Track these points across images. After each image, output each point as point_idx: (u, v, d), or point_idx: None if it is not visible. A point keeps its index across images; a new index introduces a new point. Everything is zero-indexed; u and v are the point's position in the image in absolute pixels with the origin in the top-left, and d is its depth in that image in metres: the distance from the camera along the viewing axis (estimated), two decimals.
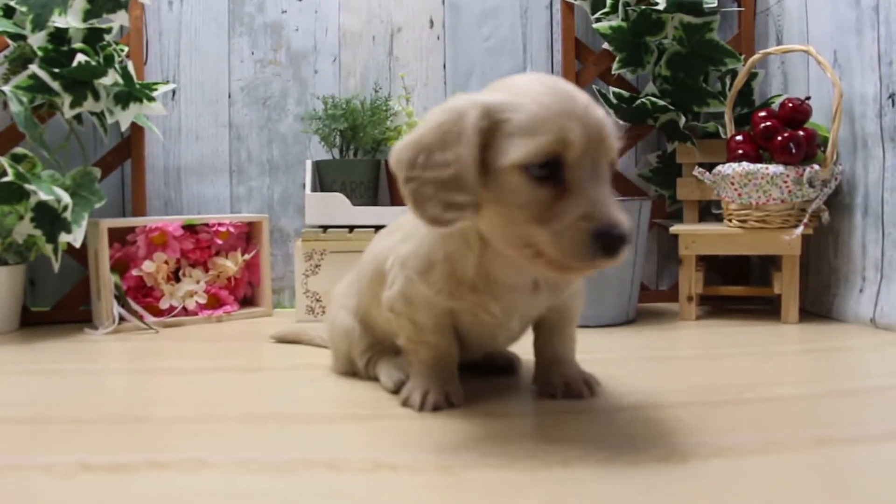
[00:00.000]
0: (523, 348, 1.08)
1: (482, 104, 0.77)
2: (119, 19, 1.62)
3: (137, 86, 1.64)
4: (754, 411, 0.92)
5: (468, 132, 0.76)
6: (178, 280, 1.73)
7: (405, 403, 0.95)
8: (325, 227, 1.70)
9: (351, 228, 1.70)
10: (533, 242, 0.76)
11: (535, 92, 0.77)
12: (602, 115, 0.78)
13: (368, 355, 1.09)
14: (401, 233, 0.96)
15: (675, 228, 1.65)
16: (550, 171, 0.75)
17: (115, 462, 0.77)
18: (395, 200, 1.77)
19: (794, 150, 1.52)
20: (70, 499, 0.68)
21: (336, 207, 1.70)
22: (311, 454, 0.79)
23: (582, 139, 0.75)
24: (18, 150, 1.53)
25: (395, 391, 1.00)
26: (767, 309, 1.73)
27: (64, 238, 1.50)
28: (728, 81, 1.77)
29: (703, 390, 1.02)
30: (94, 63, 1.53)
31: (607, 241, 0.73)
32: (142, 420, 0.94)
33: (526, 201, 0.76)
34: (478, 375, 1.13)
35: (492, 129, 0.77)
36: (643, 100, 1.76)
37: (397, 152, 0.81)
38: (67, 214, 1.49)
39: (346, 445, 0.83)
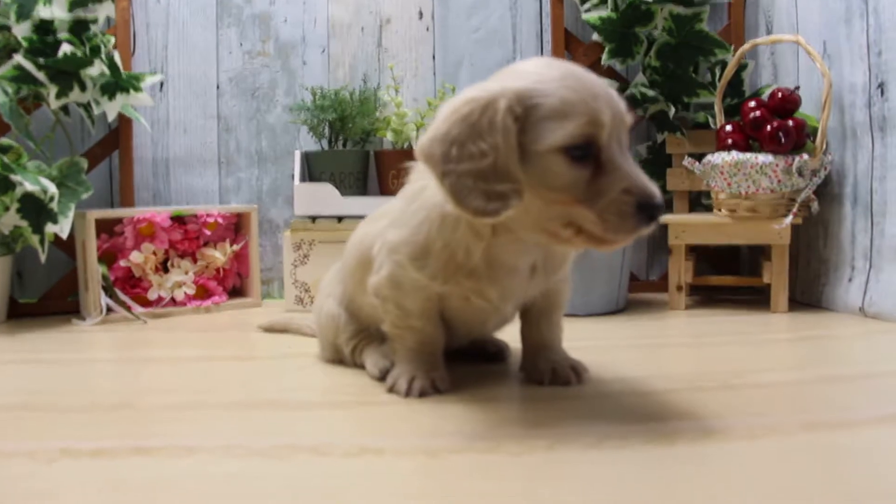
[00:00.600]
0: (513, 336, 1.08)
1: (513, 91, 0.79)
2: (105, 10, 1.61)
3: (124, 76, 1.63)
4: (743, 397, 0.92)
5: (503, 120, 0.77)
6: (166, 271, 1.72)
7: (391, 390, 0.95)
8: (314, 218, 1.70)
9: (340, 219, 1.69)
10: (574, 221, 0.79)
11: (558, 77, 0.80)
12: (617, 95, 0.82)
13: (354, 342, 1.08)
14: (387, 219, 0.96)
15: (665, 218, 1.65)
16: (585, 152, 0.78)
17: (99, 448, 0.76)
18: (384, 190, 1.77)
19: (783, 140, 1.52)
20: (52, 484, 0.67)
21: (325, 198, 1.69)
22: (297, 440, 0.78)
23: (610, 119, 0.79)
24: (4, 140, 1.52)
25: (381, 378, 1.00)
26: (757, 298, 1.73)
27: (51, 229, 1.49)
28: (718, 72, 1.77)
29: (691, 377, 1.02)
30: (79, 53, 1.52)
31: (650, 212, 0.77)
32: (127, 407, 0.93)
33: (566, 182, 0.78)
34: (467, 362, 1.13)
35: (524, 115, 0.78)
36: (633, 90, 1.76)
37: (427, 149, 0.80)
38: (54, 205, 1.48)
39: (332, 431, 0.82)
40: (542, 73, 0.80)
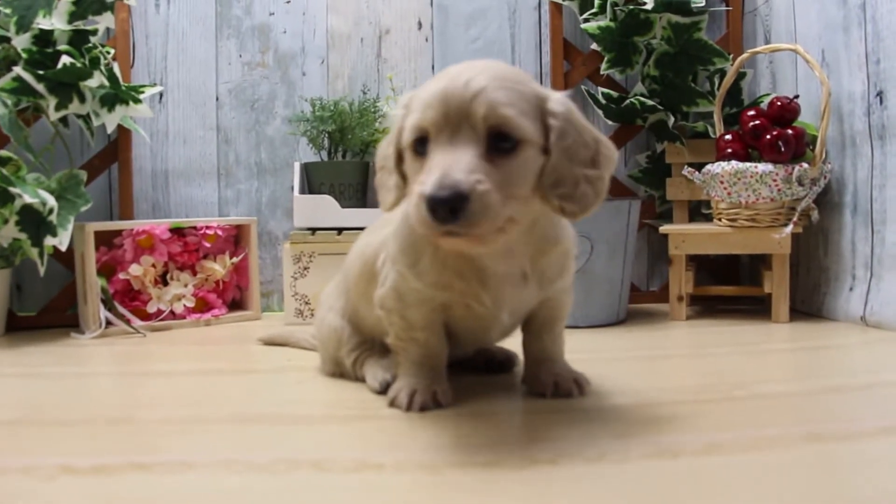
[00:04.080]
0: (516, 348, 1.08)
1: (406, 95, 0.87)
2: (105, 21, 1.61)
3: (124, 88, 1.63)
4: (745, 408, 0.92)
5: (395, 121, 0.87)
6: (165, 284, 1.71)
7: (392, 404, 0.94)
8: (313, 230, 1.70)
9: (339, 230, 1.69)
10: None
11: (436, 78, 0.82)
12: (479, 86, 0.77)
13: (356, 354, 1.08)
14: (389, 228, 0.96)
15: (665, 228, 1.65)
16: (423, 147, 0.81)
17: (98, 464, 0.76)
18: None
19: (783, 149, 1.52)
20: (51, 501, 0.66)
21: (324, 209, 1.69)
22: (296, 454, 0.78)
23: (439, 113, 0.78)
24: (3, 152, 1.52)
25: (381, 392, 0.99)
26: (758, 308, 1.73)
27: (50, 242, 1.48)
28: (717, 81, 1.77)
29: (693, 389, 1.02)
30: (79, 65, 1.52)
31: (430, 204, 0.74)
32: (126, 422, 0.93)
33: (411, 175, 0.83)
34: (473, 372, 1.12)
35: (405, 117, 0.84)
36: (632, 100, 1.76)
37: (378, 149, 0.92)
38: (53, 218, 1.47)
39: (332, 445, 0.82)
40: (438, 75, 0.83)
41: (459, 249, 0.83)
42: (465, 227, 0.74)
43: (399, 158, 0.87)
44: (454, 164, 0.75)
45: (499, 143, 0.78)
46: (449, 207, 0.73)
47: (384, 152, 0.90)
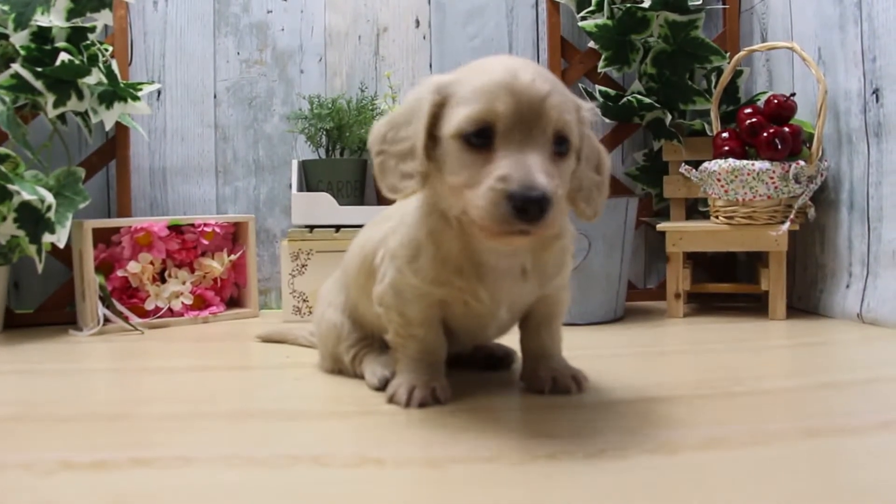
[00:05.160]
0: (514, 345, 1.08)
1: (435, 80, 0.84)
2: (103, 18, 1.61)
3: (122, 85, 1.63)
4: (743, 404, 0.92)
5: (422, 106, 0.83)
6: (163, 281, 1.71)
7: (391, 400, 0.95)
8: (311, 227, 1.70)
9: (337, 228, 1.69)
10: (467, 209, 0.79)
11: (485, 69, 0.82)
12: (546, 90, 0.79)
13: (355, 350, 1.08)
14: (390, 223, 0.97)
15: (663, 226, 1.65)
16: (484, 140, 0.78)
17: (97, 459, 0.76)
18: (382, 200, 1.77)
19: (779, 147, 1.52)
20: (49, 497, 0.67)
21: (322, 207, 1.69)
22: (296, 450, 0.78)
23: (511, 108, 0.78)
24: (1, 150, 1.52)
25: (380, 388, 1.00)
26: (755, 306, 1.73)
27: (48, 239, 1.48)
28: (714, 79, 1.78)
29: (691, 385, 1.02)
30: (77, 62, 1.51)
31: (520, 203, 0.74)
32: (125, 418, 0.93)
33: (460, 167, 0.80)
34: (472, 369, 1.13)
35: (442, 104, 0.82)
36: (629, 98, 1.77)
37: (373, 130, 0.88)
38: (51, 215, 1.47)
39: (332, 441, 0.82)
40: (477, 66, 0.84)
41: (515, 247, 0.86)
42: (541, 228, 0.76)
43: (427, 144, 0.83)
44: (534, 166, 0.76)
45: (558, 146, 0.80)
46: (539, 208, 0.74)
47: (394, 135, 0.86)
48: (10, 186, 1.42)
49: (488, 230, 0.78)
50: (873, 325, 1.41)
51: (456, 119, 0.80)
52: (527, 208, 0.74)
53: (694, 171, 1.65)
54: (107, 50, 1.66)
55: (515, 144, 0.77)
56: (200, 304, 1.74)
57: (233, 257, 1.77)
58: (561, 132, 0.80)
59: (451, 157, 0.81)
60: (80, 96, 1.57)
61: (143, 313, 1.66)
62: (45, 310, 1.74)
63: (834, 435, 0.79)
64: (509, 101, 0.78)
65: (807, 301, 1.65)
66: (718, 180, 1.57)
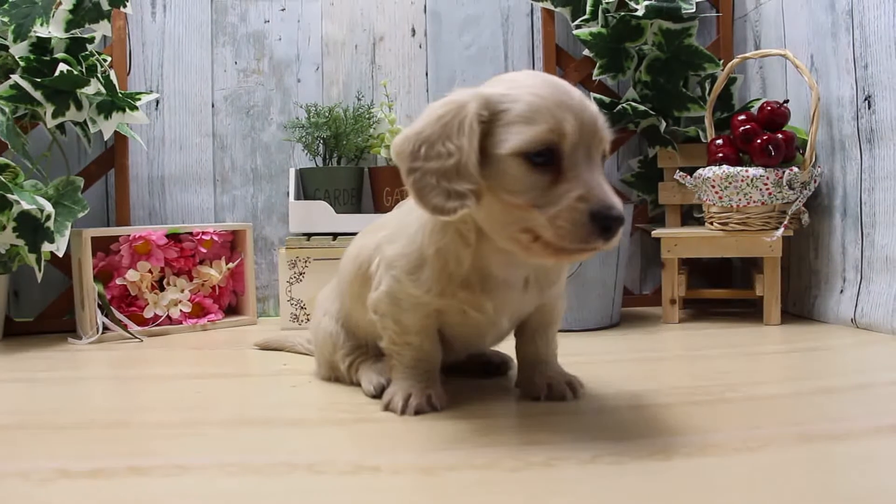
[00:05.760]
0: (509, 352, 1.09)
1: (482, 95, 0.81)
2: (101, 29, 1.62)
3: (120, 95, 1.64)
4: (738, 410, 0.93)
5: (469, 122, 0.79)
6: (162, 289, 1.72)
7: (387, 407, 0.95)
8: (308, 235, 1.71)
9: (335, 236, 1.70)
10: (531, 227, 0.79)
11: (532, 85, 0.81)
12: (595, 109, 0.82)
13: (351, 358, 1.09)
14: (385, 232, 0.97)
15: (658, 232, 1.66)
16: (547, 159, 0.78)
17: (95, 468, 0.76)
18: (379, 207, 1.78)
19: (773, 153, 1.54)
20: None
21: (320, 215, 1.70)
22: (292, 457, 0.78)
23: (576, 129, 0.78)
24: (1, 159, 1.52)
25: (376, 396, 1.00)
26: (750, 311, 1.74)
27: (47, 248, 1.49)
28: (707, 86, 1.79)
29: (686, 390, 1.03)
30: (76, 72, 1.52)
31: (604, 222, 0.76)
32: (123, 426, 0.93)
33: (524, 187, 0.79)
34: (467, 376, 1.13)
35: (491, 120, 0.80)
36: (624, 105, 1.78)
37: (398, 145, 0.83)
38: (50, 224, 1.48)
39: (328, 448, 0.82)
40: (518, 81, 0.83)
41: (552, 261, 0.85)
42: (611, 245, 0.78)
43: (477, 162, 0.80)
44: (605, 185, 0.79)
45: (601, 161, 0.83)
46: (618, 226, 0.77)
47: (429, 150, 0.81)
48: (9, 196, 1.43)
49: (560, 249, 0.79)
50: (867, 331, 1.42)
51: (517, 138, 0.78)
52: (610, 226, 0.76)
53: (688, 177, 1.66)
54: (105, 60, 1.67)
55: (583, 165, 0.79)
56: (199, 311, 1.74)
57: (231, 265, 1.78)
58: (606, 154, 0.83)
59: (510, 176, 0.79)
60: (79, 106, 1.58)
61: (141, 321, 1.67)
62: (45, 318, 1.75)
63: (828, 440, 0.80)
64: (573, 121, 0.78)
65: (801, 306, 1.66)
66: (713, 187, 1.58)
